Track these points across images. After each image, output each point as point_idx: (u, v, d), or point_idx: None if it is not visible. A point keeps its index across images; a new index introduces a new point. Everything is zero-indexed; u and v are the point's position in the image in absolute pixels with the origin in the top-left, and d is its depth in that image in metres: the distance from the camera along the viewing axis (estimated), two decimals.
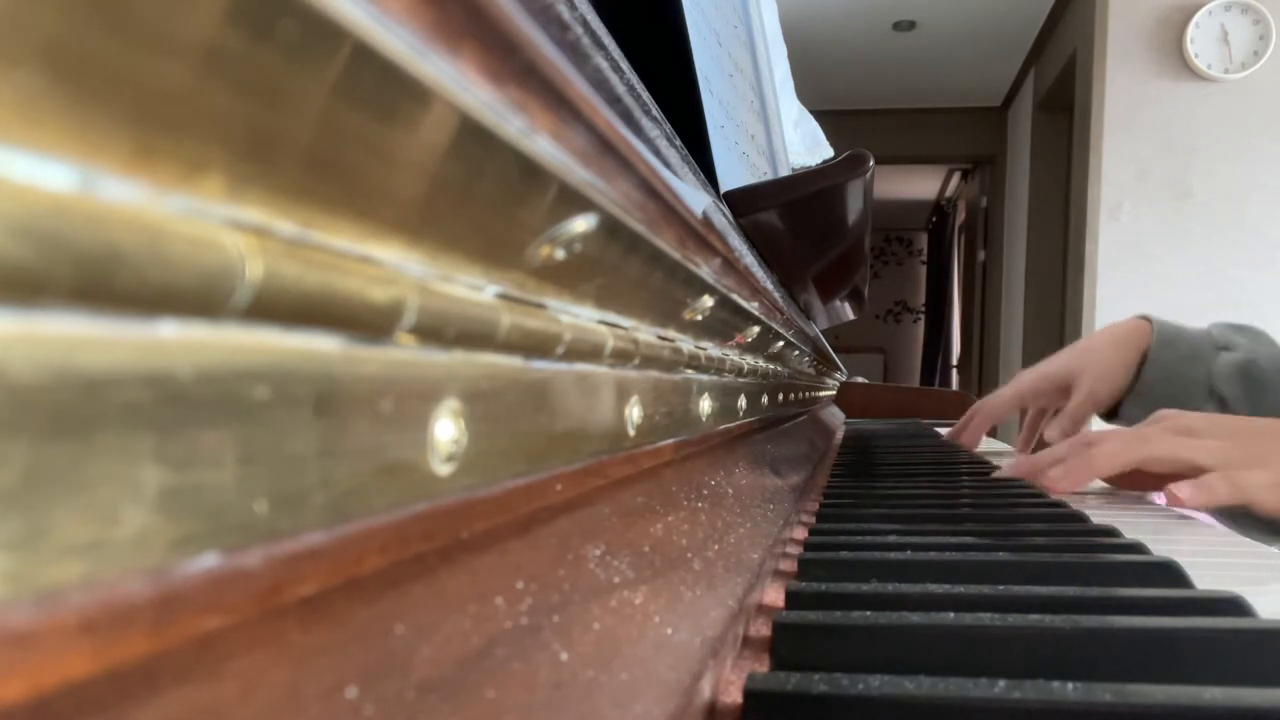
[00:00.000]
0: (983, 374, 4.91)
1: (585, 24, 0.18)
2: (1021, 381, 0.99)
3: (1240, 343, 0.89)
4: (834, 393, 1.64)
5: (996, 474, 0.75)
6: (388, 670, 0.12)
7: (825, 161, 1.13)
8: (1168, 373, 0.90)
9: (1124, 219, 2.77)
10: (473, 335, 0.16)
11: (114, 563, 0.09)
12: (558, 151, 0.16)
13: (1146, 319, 0.94)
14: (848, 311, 1.21)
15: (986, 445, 1.22)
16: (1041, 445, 0.92)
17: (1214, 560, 0.45)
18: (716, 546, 0.30)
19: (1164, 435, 0.66)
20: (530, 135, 0.15)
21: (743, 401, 0.50)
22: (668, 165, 0.25)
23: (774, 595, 0.34)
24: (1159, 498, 0.65)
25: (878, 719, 0.24)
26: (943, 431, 1.29)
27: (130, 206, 0.09)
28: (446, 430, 0.15)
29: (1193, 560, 0.39)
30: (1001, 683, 0.24)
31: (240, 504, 0.11)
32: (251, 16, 0.09)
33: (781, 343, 0.57)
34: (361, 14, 0.10)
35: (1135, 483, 0.72)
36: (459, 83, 0.13)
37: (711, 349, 0.39)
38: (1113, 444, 0.66)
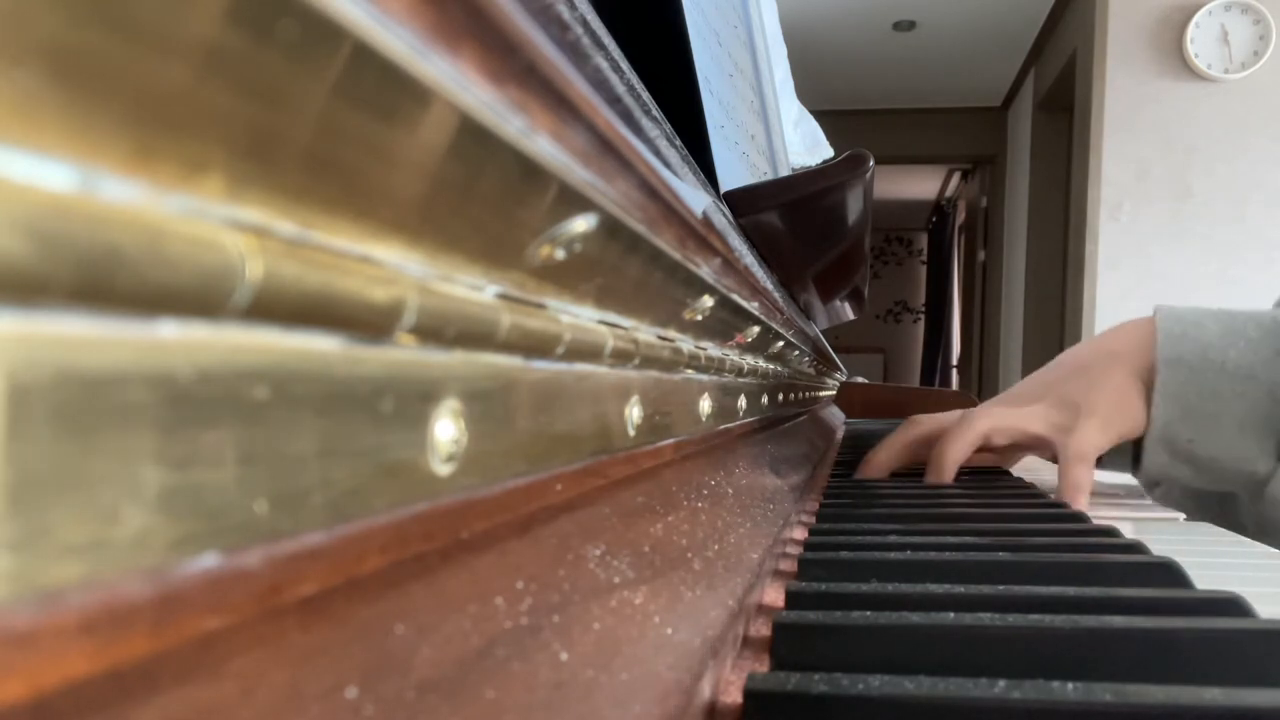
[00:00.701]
0: (983, 374, 4.91)
1: (585, 24, 0.18)
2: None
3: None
4: (834, 393, 1.64)
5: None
6: (388, 670, 0.12)
7: (825, 161, 1.13)
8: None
9: (1124, 219, 2.77)
10: (473, 335, 0.16)
11: (114, 563, 0.09)
12: (558, 151, 0.16)
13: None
14: (848, 311, 1.21)
15: None
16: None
17: (1221, 561, 0.45)
18: (716, 546, 0.30)
19: (987, 409, 0.69)
20: (530, 135, 0.15)
21: (743, 401, 0.50)
22: (668, 165, 0.25)
23: (774, 595, 0.34)
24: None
25: (878, 719, 0.24)
26: None
27: (130, 206, 0.09)
28: (446, 430, 0.15)
29: (1193, 561, 0.39)
30: (1001, 683, 0.24)
31: (240, 504, 0.11)
32: (251, 16, 0.09)
33: (781, 343, 0.57)
34: (361, 14, 0.10)
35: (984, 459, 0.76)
36: (459, 83, 0.13)
37: (711, 349, 0.39)
38: (949, 439, 0.69)
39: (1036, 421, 0.67)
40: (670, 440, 0.33)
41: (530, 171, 0.16)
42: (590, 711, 0.16)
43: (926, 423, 0.74)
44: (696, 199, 0.28)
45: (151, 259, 0.09)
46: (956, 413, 0.75)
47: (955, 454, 0.69)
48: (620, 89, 0.20)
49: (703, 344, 0.37)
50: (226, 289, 0.10)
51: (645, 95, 0.24)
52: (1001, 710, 0.23)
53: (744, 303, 0.39)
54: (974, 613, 0.30)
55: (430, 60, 0.12)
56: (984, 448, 0.71)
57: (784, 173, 0.94)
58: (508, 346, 0.18)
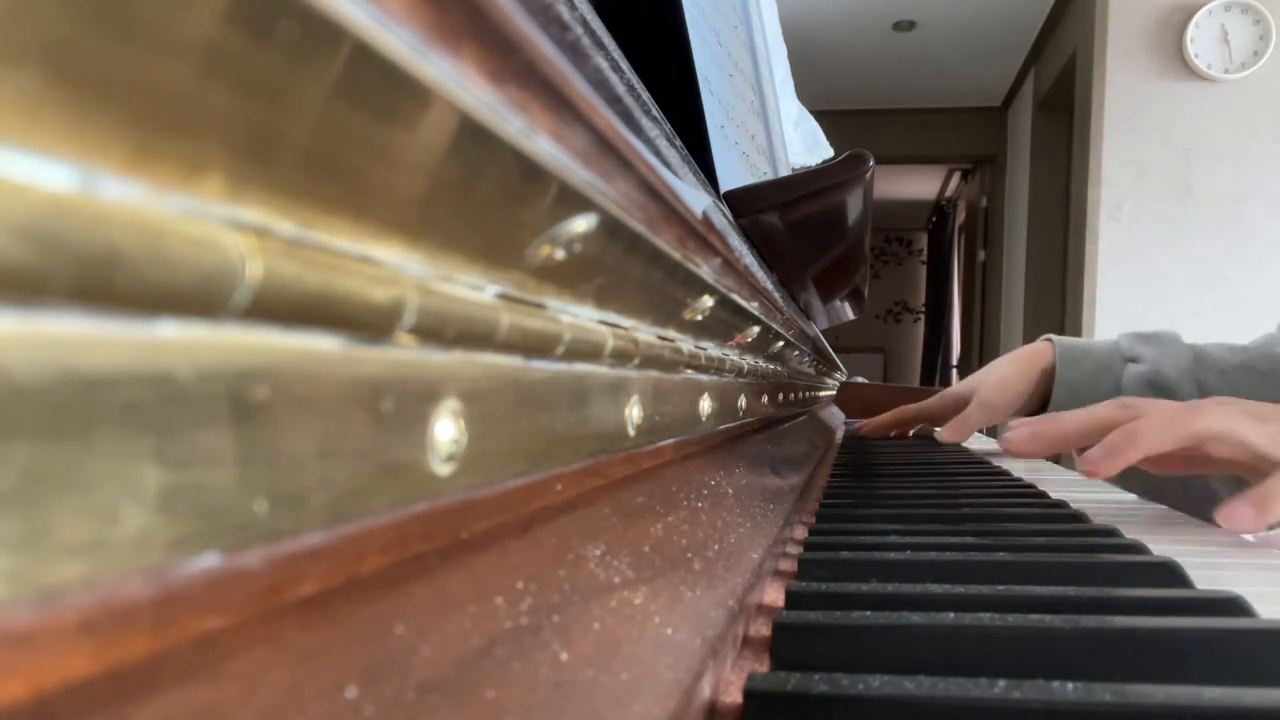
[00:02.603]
0: None
1: (585, 24, 0.18)
2: (931, 399, 1.09)
3: (1146, 354, 0.89)
4: (834, 393, 1.64)
5: (1007, 441, 0.64)
6: (388, 670, 0.12)
7: (825, 161, 1.13)
8: (1076, 391, 0.91)
9: (1124, 219, 2.77)
10: (473, 335, 0.16)
11: (114, 563, 0.09)
12: (558, 151, 0.16)
13: (1049, 340, 0.96)
14: (848, 311, 1.21)
15: (984, 444, 1.22)
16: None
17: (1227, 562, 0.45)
18: (716, 546, 0.30)
19: (1221, 409, 0.55)
20: (530, 135, 0.15)
21: (743, 401, 0.50)
22: (668, 165, 0.25)
23: (774, 595, 0.34)
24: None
25: (878, 719, 0.24)
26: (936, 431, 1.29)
27: (130, 206, 0.09)
28: (446, 430, 0.15)
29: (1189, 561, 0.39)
30: (1001, 683, 0.24)
31: (240, 504, 0.11)
32: (251, 16, 0.09)
33: (781, 343, 0.57)
34: (361, 14, 0.10)
35: (1169, 464, 0.59)
36: (459, 83, 0.13)
37: (711, 349, 0.39)
38: (1161, 415, 0.54)
39: (1277, 444, 0.52)
40: (670, 440, 0.33)
41: (530, 171, 0.16)
42: (590, 711, 0.16)
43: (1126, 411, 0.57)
44: (696, 199, 0.28)
45: (151, 259, 0.09)
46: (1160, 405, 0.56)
47: (1152, 446, 0.54)
48: (620, 89, 0.20)
49: (703, 344, 0.37)
50: (226, 289, 0.10)
51: (645, 95, 0.24)
52: (1001, 710, 0.23)
53: (744, 303, 0.39)
54: (974, 613, 0.30)
55: (430, 60, 0.12)
56: (1188, 454, 0.55)
57: (784, 173, 0.94)
58: (508, 346, 0.18)
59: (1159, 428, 0.54)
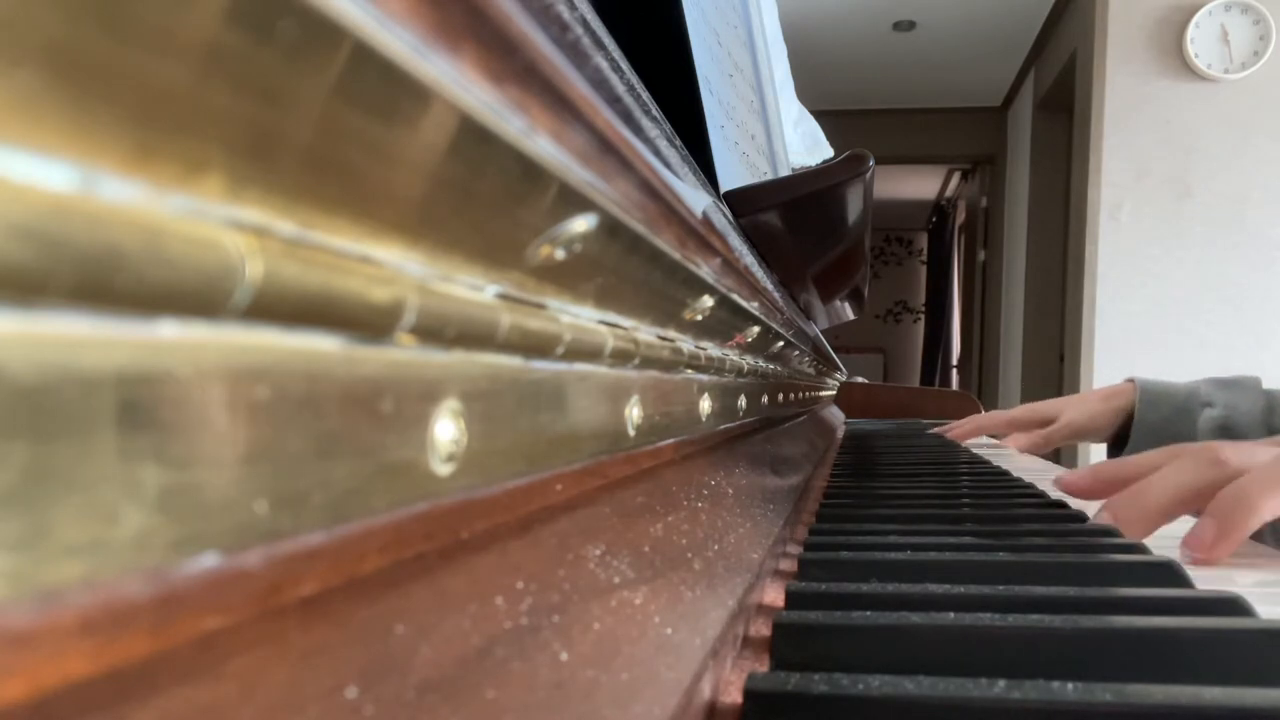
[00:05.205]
0: (983, 374, 4.91)
1: (585, 24, 0.18)
2: (1017, 409, 1.11)
3: (1220, 399, 0.90)
4: (834, 393, 1.64)
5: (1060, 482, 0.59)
6: (388, 670, 0.12)
7: (825, 161, 1.13)
8: (1154, 432, 0.93)
9: (1124, 219, 2.77)
10: (473, 335, 0.16)
11: (114, 563, 0.09)
12: (558, 151, 0.16)
13: (1132, 381, 0.98)
14: (848, 311, 1.22)
15: (984, 443, 1.22)
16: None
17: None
18: (716, 546, 0.30)
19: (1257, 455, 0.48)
20: (530, 135, 0.15)
21: (743, 401, 0.50)
22: (668, 165, 0.25)
23: (774, 595, 0.34)
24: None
25: (878, 719, 0.24)
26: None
27: (130, 206, 0.09)
28: (446, 430, 0.15)
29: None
30: (1001, 683, 0.24)
31: (240, 504, 0.11)
32: (251, 16, 0.09)
33: (781, 343, 0.57)
34: (361, 14, 0.10)
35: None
36: (459, 83, 0.13)
37: (711, 349, 0.39)
38: (1263, 469, 0.46)
39: None
40: (670, 440, 0.33)
41: (530, 171, 0.16)
42: (590, 711, 0.16)
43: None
44: (696, 199, 0.28)
45: (151, 259, 0.09)
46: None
47: (1269, 508, 0.44)
48: (620, 89, 0.20)
49: (703, 344, 0.37)
50: (226, 289, 0.10)
51: (645, 95, 0.24)
52: (1001, 710, 0.23)
53: (744, 303, 0.39)
54: (974, 613, 0.30)
55: (430, 60, 0.12)
56: None
57: (784, 173, 0.94)
58: (508, 346, 0.18)
59: (1269, 484, 0.45)
